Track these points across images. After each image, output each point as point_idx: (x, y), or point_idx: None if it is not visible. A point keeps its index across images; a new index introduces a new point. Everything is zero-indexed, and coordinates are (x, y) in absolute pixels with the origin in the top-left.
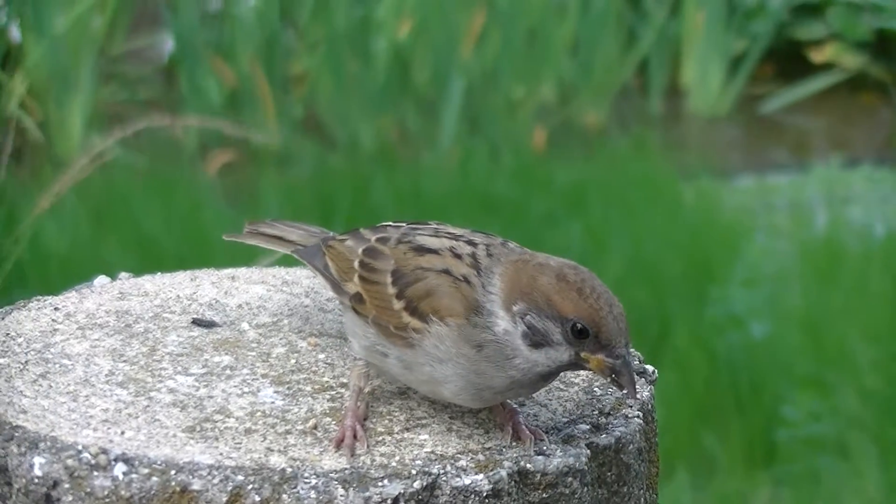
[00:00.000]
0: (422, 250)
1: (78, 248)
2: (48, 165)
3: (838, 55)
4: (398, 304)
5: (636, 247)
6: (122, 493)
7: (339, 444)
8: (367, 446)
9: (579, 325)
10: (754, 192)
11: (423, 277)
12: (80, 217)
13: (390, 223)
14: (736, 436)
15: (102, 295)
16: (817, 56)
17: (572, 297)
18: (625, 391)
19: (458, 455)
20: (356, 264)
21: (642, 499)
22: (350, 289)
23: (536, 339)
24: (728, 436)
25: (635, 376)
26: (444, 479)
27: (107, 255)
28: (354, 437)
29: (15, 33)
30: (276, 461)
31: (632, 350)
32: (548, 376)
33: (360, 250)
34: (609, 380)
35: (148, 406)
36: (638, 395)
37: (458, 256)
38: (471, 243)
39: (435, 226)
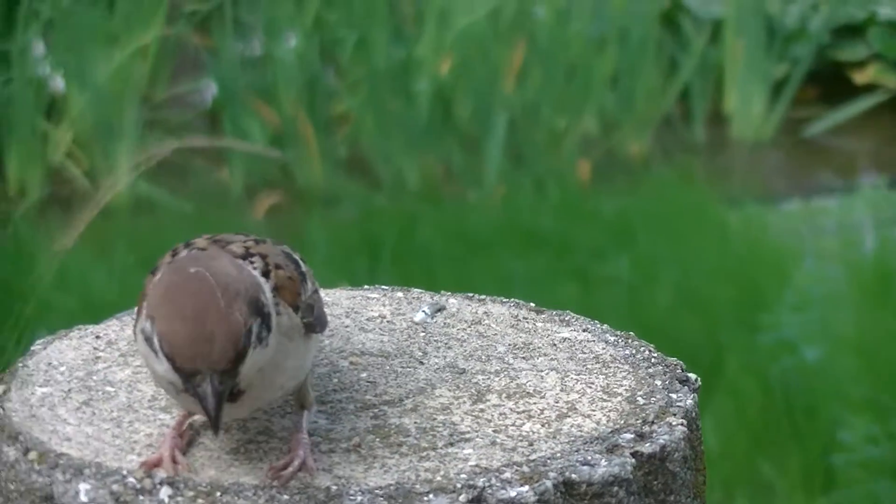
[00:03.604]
0: None
1: (128, 295)
2: (97, 214)
3: (880, 75)
4: None
5: (685, 276)
6: None
7: None
8: None
9: None
10: (801, 216)
11: None
12: (129, 265)
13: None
14: (793, 462)
15: None
16: (860, 77)
17: None
18: None
19: (503, 468)
20: None
21: None
22: None
23: None
24: (785, 462)
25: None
26: (490, 491)
27: None
28: None
29: (59, 84)
30: (321, 480)
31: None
32: None
33: None
34: None
35: (191, 430)
36: None
37: None
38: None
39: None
